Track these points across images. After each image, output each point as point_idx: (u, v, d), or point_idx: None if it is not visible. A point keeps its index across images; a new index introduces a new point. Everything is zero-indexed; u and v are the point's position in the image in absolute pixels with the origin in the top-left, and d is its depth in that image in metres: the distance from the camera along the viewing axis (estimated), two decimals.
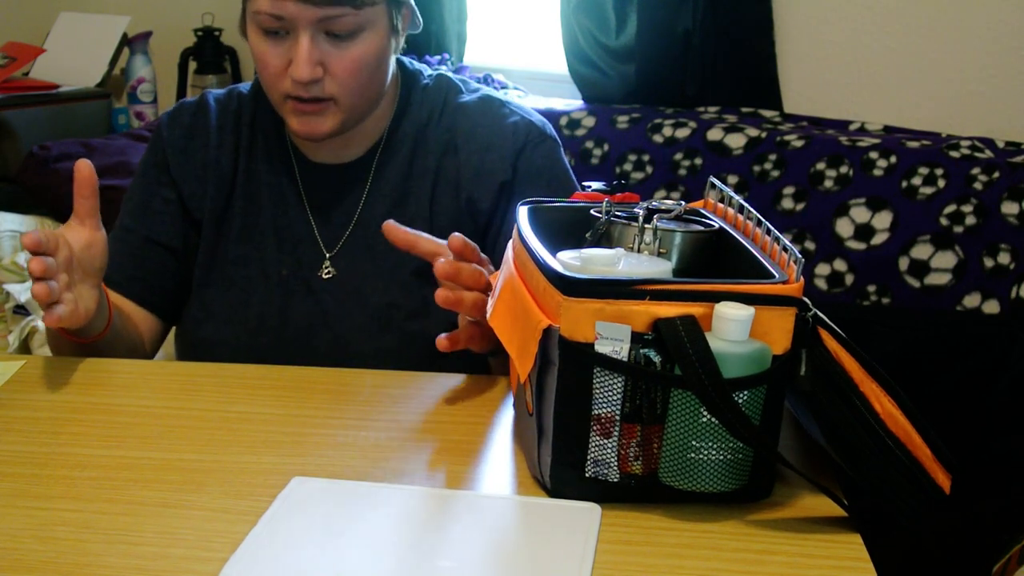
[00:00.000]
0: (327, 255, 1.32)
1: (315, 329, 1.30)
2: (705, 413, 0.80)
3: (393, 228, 1.11)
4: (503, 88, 2.38)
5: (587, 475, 0.84)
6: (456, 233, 1.06)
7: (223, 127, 1.35)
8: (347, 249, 1.32)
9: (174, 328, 1.39)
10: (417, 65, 1.38)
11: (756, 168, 1.96)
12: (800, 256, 0.83)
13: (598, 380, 0.81)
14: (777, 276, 0.83)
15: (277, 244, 1.32)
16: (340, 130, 1.26)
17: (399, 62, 1.35)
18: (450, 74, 1.39)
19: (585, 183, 1.10)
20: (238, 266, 1.32)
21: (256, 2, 1.19)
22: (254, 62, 1.25)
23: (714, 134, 2.01)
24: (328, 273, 1.31)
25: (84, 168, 1.14)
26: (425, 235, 1.12)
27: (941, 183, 1.85)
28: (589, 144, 2.08)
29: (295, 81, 1.20)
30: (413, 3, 1.28)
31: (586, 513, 0.84)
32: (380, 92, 1.28)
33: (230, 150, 1.34)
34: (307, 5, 1.16)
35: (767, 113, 2.15)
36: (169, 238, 1.33)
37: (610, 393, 0.82)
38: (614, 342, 0.80)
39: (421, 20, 1.30)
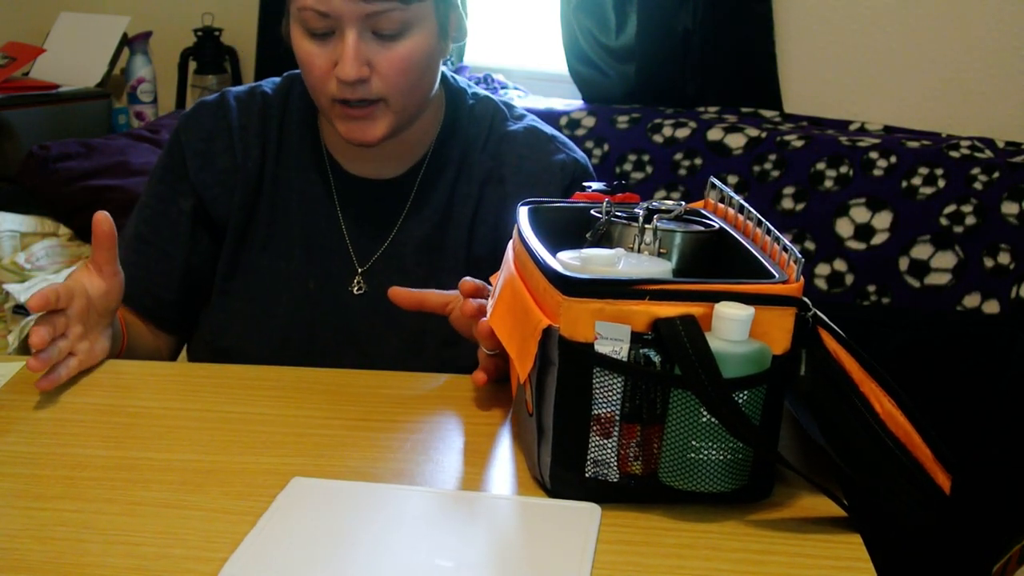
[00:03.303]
0: (359, 270, 1.29)
1: (344, 348, 1.27)
2: (705, 413, 0.80)
3: (399, 292, 1.10)
4: (503, 88, 2.38)
5: (587, 475, 0.84)
6: (466, 278, 1.05)
7: (246, 128, 1.30)
8: (380, 267, 1.29)
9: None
10: (460, 82, 1.35)
11: (756, 168, 1.96)
12: (800, 256, 0.83)
13: (598, 380, 0.81)
14: (777, 276, 0.83)
15: (305, 254, 1.29)
16: (391, 134, 1.22)
17: (443, 76, 1.31)
18: (494, 96, 1.37)
19: (585, 183, 1.09)
20: (262, 275, 1.29)
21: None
22: (299, 66, 1.21)
23: (714, 134, 2.01)
24: (359, 289, 1.29)
25: (104, 223, 1.11)
26: (431, 291, 1.11)
27: (941, 183, 1.85)
28: (589, 144, 2.08)
29: (341, 82, 1.16)
30: (462, 10, 1.25)
31: (586, 513, 0.84)
32: (428, 96, 1.25)
33: (256, 154, 1.30)
34: (354, 1, 1.13)
35: (767, 113, 2.15)
36: (185, 251, 1.30)
37: (610, 393, 0.82)
38: (614, 342, 0.80)
39: (467, 30, 1.27)
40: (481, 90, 1.37)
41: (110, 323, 1.16)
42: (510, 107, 1.37)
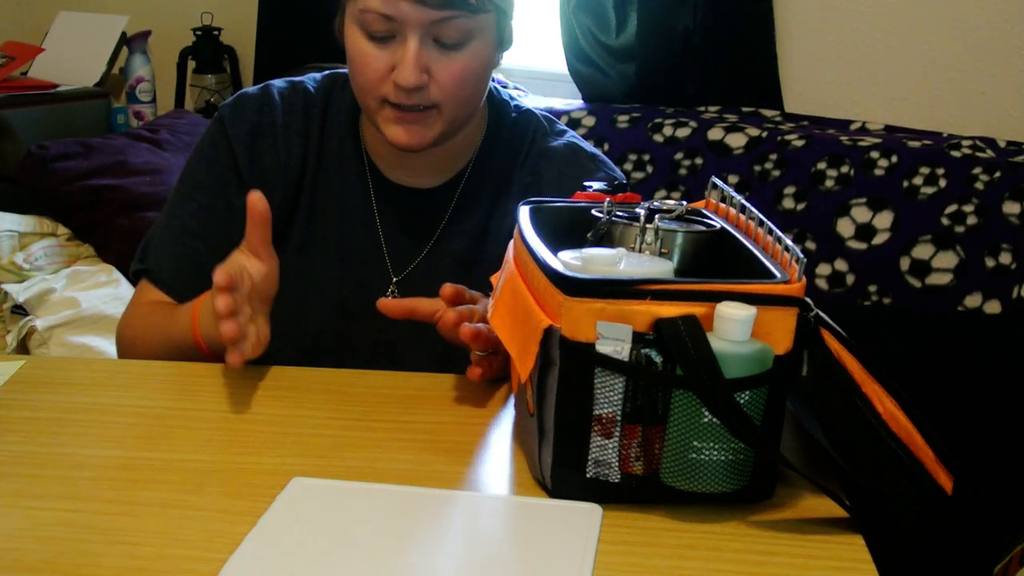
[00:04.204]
0: (394, 279, 1.27)
1: (376, 356, 1.25)
2: (706, 413, 0.80)
3: (387, 303, 1.07)
4: (503, 87, 2.37)
5: (588, 475, 0.84)
6: (446, 284, 1.04)
7: (289, 126, 1.27)
8: (415, 277, 1.27)
9: None
10: (503, 93, 1.33)
11: (757, 168, 1.96)
12: (802, 256, 0.83)
13: (599, 380, 0.81)
14: (779, 276, 0.83)
15: (340, 260, 1.27)
16: (438, 142, 1.20)
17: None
18: (534, 109, 1.35)
19: (586, 183, 1.09)
20: (296, 278, 1.25)
21: (364, 0, 1.12)
22: (349, 64, 1.18)
23: (715, 134, 2.01)
24: (394, 297, 1.27)
25: (260, 203, 1.07)
26: (420, 298, 1.08)
27: (942, 183, 1.84)
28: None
29: (399, 87, 1.14)
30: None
31: (587, 514, 0.83)
32: (478, 106, 1.23)
33: (298, 153, 1.27)
34: (422, 7, 1.10)
35: (768, 112, 2.15)
36: (235, 247, 1.22)
37: (611, 393, 0.81)
38: (615, 342, 0.80)
39: (514, 39, 1.25)
40: (524, 103, 1.36)
41: (268, 311, 1.12)
42: (551, 122, 1.35)
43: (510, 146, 1.30)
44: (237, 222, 1.25)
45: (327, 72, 1.33)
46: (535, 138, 1.31)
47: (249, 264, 1.09)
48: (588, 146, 1.33)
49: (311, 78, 1.32)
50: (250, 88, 1.31)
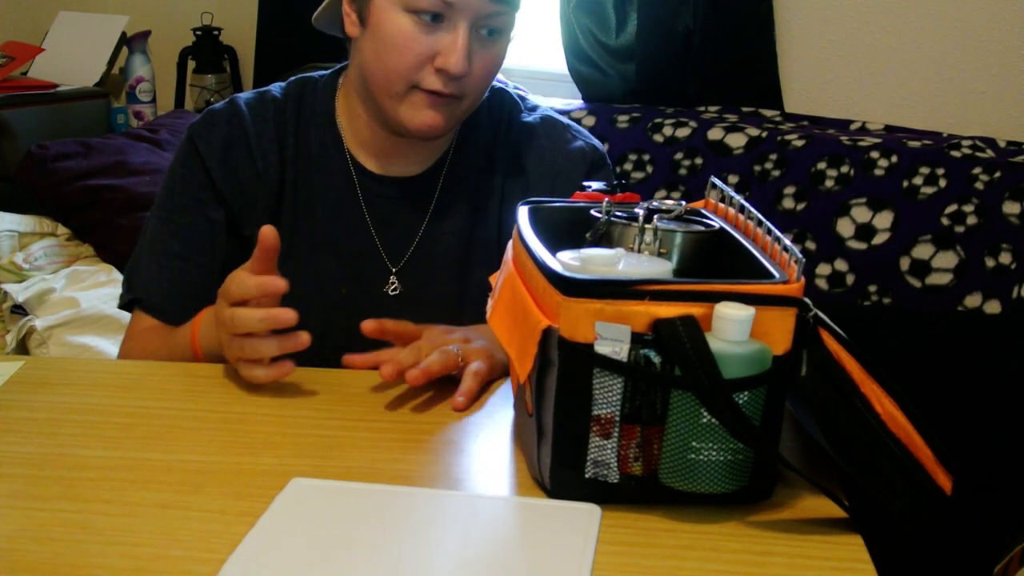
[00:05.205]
0: (393, 269, 1.29)
1: (382, 350, 1.26)
2: (705, 414, 0.80)
3: (353, 359, 1.09)
4: (504, 86, 2.37)
5: (587, 476, 0.84)
6: (366, 320, 1.08)
7: (262, 135, 1.28)
8: (413, 265, 1.29)
9: None
10: None
11: (757, 168, 1.96)
12: (801, 256, 0.83)
13: (598, 381, 0.81)
14: (777, 276, 0.83)
15: (335, 259, 1.28)
16: (451, 129, 1.24)
17: None
18: (504, 87, 1.37)
19: (585, 183, 1.09)
20: (291, 284, 1.24)
21: None
22: (383, 46, 1.17)
23: (714, 134, 2.01)
24: (395, 289, 1.28)
25: (271, 237, 1.07)
26: (384, 351, 1.10)
27: (942, 183, 1.84)
28: None
29: (443, 73, 1.16)
30: None
31: (586, 514, 0.83)
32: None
33: (275, 160, 1.27)
34: None
35: (768, 112, 2.15)
36: (219, 262, 1.26)
37: (610, 394, 0.81)
38: (614, 342, 0.80)
39: None
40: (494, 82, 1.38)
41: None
42: (523, 98, 1.38)
43: (488, 124, 1.33)
44: (218, 236, 1.27)
45: (293, 78, 1.33)
46: (511, 115, 1.35)
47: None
48: (561, 117, 1.37)
49: (276, 86, 1.33)
50: (216, 104, 1.32)
